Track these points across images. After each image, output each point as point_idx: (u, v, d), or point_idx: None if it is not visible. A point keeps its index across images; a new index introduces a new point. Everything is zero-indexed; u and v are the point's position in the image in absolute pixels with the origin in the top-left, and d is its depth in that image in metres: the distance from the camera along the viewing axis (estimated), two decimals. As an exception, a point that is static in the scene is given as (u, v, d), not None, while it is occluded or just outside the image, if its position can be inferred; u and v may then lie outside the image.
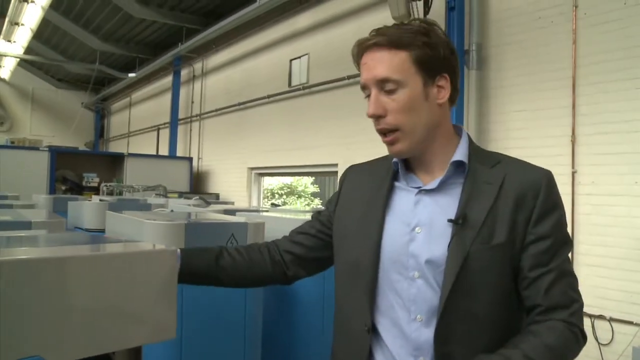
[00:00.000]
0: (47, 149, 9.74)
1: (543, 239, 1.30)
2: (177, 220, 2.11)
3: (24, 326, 0.94)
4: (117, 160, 10.86)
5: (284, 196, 13.30)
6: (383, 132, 1.36)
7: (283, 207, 7.16)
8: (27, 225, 1.87)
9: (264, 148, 9.19)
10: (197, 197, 4.39)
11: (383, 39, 1.33)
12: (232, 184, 10.09)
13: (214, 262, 1.48)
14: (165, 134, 12.36)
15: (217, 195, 9.72)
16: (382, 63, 1.32)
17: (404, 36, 1.32)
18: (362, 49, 1.36)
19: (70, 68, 15.05)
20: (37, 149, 9.86)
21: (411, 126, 1.34)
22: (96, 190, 9.68)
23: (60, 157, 9.91)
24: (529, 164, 1.39)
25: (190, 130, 11.65)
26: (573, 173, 4.58)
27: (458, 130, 1.45)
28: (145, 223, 2.10)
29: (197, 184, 11.06)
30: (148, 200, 4.83)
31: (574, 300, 1.29)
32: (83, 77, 15.59)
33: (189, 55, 11.18)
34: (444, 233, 1.31)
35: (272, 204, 8.67)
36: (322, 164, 7.83)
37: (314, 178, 8.79)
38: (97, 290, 1.03)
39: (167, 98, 12.13)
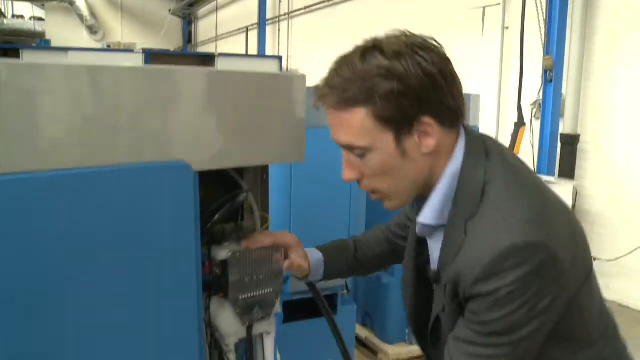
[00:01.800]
0: (141, 51, 9.98)
1: (470, 306, 1.08)
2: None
3: (169, 132, 0.98)
4: (207, 61, 10.95)
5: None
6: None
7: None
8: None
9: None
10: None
11: (332, 99, 1.07)
12: (321, 83, 10.05)
13: (353, 267, 1.57)
14: (253, 35, 12.35)
15: (306, 93, 9.76)
16: (341, 127, 1.09)
17: (358, 87, 1.04)
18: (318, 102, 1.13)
19: (157, -27, 15.16)
20: (131, 51, 10.13)
21: (392, 189, 1.15)
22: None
23: (153, 58, 10.11)
24: (498, 226, 1.05)
25: (279, 30, 11.57)
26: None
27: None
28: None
29: (286, 84, 11.09)
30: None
31: None
32: (170, -18, 15.68)
33: (275, -47, 10.96)
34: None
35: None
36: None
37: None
38: (234, 106, 1.06)
39: (254, -1, 12.04)
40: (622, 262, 5.06)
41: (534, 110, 5.79)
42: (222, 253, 1.20)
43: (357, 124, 1.07)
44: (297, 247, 1.41)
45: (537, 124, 5.52)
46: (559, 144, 5.39)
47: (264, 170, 1.33)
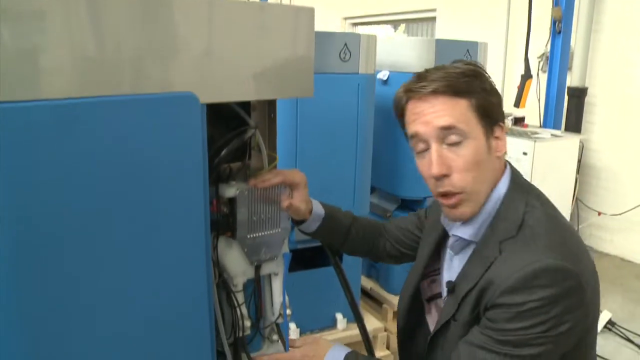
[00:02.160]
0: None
1: (486, 318, 1.16)
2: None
3: (174, 62, 0.94)
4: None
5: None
6: (446, 194, 1.22)
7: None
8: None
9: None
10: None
11: (442, 85, 1.17)
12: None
13: (344, 235, 1.61)
14: (254, -11, 12.13)
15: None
16: (445, 110, 1.17)
17: (459, 82, 1.17)
18: (414, 96, 1.21)
19: None
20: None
21: (477, 186, 1.21)
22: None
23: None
24: (536, 249, 1.13)
25: (280, -17, 11.35)
26: None
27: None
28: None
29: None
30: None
31: None
32: None
33: None
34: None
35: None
36: (419, 10, 7.50)
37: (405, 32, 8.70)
38: (239, 37, 1.02)
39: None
40: (627, 216, 5.06)
41: (541, 63, 5.70)
42: (230, 191, 1.18)
43: (461, 109, 1.17)
44: (303, 189, 1.39)
45: (544, 77, 5.44)
46: (566, 97, 5.32)
47: (271, 108, 1.30)
